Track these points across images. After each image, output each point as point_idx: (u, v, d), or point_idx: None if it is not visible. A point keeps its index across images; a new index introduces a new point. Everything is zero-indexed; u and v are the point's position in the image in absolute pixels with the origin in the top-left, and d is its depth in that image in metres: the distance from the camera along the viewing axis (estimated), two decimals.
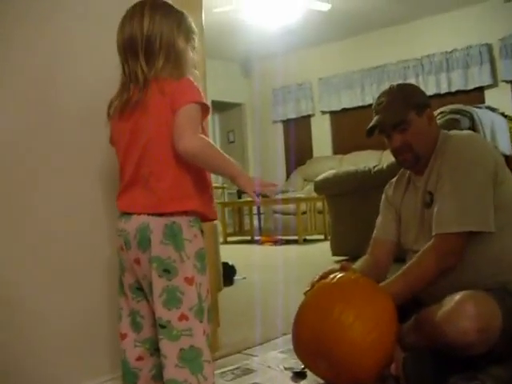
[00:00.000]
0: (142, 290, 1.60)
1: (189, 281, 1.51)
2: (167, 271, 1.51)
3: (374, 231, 2.44)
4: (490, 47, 8.22)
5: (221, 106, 11.02)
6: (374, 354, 1.87)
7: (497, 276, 2.04)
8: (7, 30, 1.86)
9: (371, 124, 2.24)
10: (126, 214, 1.59)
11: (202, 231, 1.60)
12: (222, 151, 1.54)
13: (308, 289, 2.13)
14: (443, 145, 2.18)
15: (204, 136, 1.53)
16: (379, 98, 2.27)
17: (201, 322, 1.52)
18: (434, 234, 2.05)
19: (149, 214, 1.54)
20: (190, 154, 1.49)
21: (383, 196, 2.47)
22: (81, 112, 2.00)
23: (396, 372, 1.87)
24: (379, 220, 2.45)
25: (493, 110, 5.08)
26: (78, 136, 2.00)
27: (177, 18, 1.61)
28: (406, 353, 1.91)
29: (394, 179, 2.46)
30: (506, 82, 8.07)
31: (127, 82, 1.59)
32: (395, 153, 2.25)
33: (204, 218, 1.63)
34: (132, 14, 1.59)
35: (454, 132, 2.31)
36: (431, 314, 1.91)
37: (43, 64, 1.93)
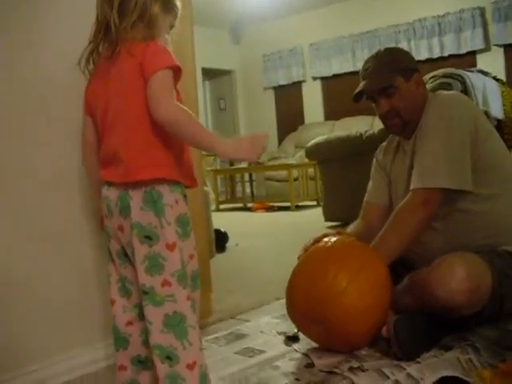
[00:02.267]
0: (128, 256, 1.60)
1: (170, 247, 1.50)
2: (148, 237, 1.50)
3: (366, 195, 2.44)
4: (482, 11, 8.16)
5: (211, 74, 10.96)
6: (368, 318, 1.88)
7: (488, 238, 2.05)
8: None
9: (358, 89, 2.23)
10: (109, 182, 1.58)
11: (185, 196, 1.58)
12: (196, 123, 1.49)
13: (301, 253, 2.14)
14: (428, 105, 2.18)
15: (180, 103, 1.49)
16: (366, 63, 2.25)
17: (184, 287, 1.51)
18: (410, 189, 2.07)
19: (126, 184, 1.52)
20: (166, 123, 1.46)
21: (374, 161, 2.46)
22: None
23: (387, 334, 1.88)
24: (370, 184, 2.45)
25: (485, 73, 5.05)
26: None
27: None
28: (397, 315, 1.93)
29: (384, 144, 2.46)
30: (499, 46, 8.03)
31: (98, 33, 1.57)
32: (383, 118, 2.24)
33: (185, 184, 1.60)
34: None
35: (439, 92, 2.31)
36: (422, 276, 1.93)
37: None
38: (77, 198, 2.01)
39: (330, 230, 2.27)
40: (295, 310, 2.04)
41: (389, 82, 2.15)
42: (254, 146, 1.51)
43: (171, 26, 1.66)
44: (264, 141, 1.53)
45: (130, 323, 1.64)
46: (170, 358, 1.49)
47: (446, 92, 2.40)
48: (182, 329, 1.50)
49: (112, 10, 1.53)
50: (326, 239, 2.10)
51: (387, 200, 2.36)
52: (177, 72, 1.52)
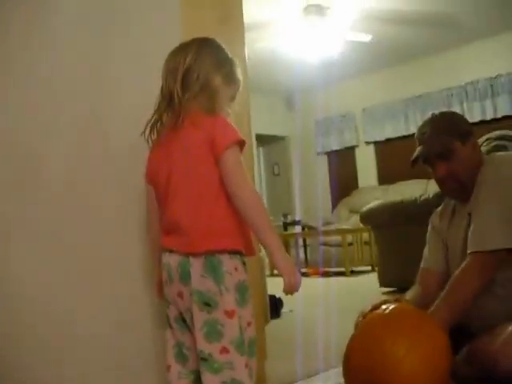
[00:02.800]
0: (186, 322, 1.61)
1: (229, 314, 1.51)
2: (207, 304, 1.52)
3: (422, 261, 2.40)
4: None
5: (265, 140, 11.10)
6: None
7: None
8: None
9: (415, 154, 2.23)
10: (170, 249, 1.62)
11: (244, 263, 1.60)
12: (269, 219, 1.57)
13: (359, 319, 2.11)
14: (484, 169, 2.15)
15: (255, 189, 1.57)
16: (422, 127, 2.26)
17: (242, 355, 1.52)
18: (467, 254, 2.03)
19: (186, 253, 1.55)
20: (239, 199, 1.53)
21: (429, 226, 2.43)
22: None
23: None
24: (426, 250, 2.41)
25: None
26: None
27: (222, 60, 1.68)
28: None
29: (439, 208, 2.43)
30: None
31: (162, 104, 1.64)
32: (440, 182, 2.23)
33: (245, 253, 1.63)
34: (180, 47, 1.68)
35: (495, 153, 2.29)
36: (484, 344, 1.87)
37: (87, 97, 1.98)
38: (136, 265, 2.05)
39: (388, 297, 2.24)
40: (351, 378, 1.99)
41: (446, 146, 2.15)
42: (296, 275, 1.55)
43: (232, 98, 1.72)
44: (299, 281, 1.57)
45: None
46: None
47: (503, 153, 2.39)
48: None
49: (176, 82, 1.61)
50: (384, 306, 2.06)
51: (444, 266, 2.31)
52: (242, 146, 1.59)
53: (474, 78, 8.70)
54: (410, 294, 2.33)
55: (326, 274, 7.55)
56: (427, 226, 2.44)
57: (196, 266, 1.53)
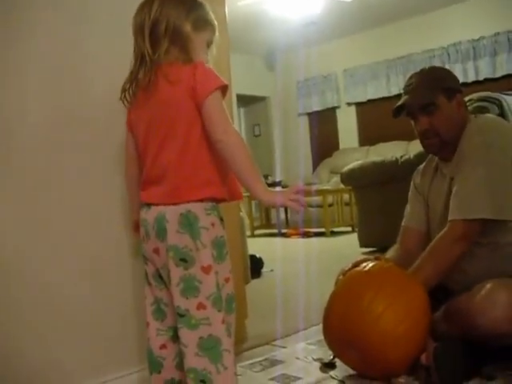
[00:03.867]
0: (163, 278, 1.61)
1: (205, 269, 1.50)
2: (184, 260, 1.51)
3: (403, 220, 2.41)
4: None
5: (246, 100, 11.03)
6: (406, 344, 1.85)
7: None
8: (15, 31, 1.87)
9: (398, 103, 2.21)
10: (147, 204, 1.60)
11: (221, 219, 1.59)
12: (252, 160, 1.54)
13: (339, 277, 2.11)
14: (468, 130, 2.14)
15: (239, 132, 1.54)
16: (409, 78, 2.24)
17: (219, 310, 1.51)
18: (448, 220, 2.02)
19: (165, 204, 1.54)
20: (223, 144, 1.50)
21: (411, 184, 2.43)
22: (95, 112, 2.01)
23: (427, 362, 1.84)
24: (408, 209, 2.41)
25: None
26: (92, 136, 2.01)
27: (189, 6, 1.60)
28: (436, 342, 1.88)
29: (421, 166, 2.42)
30: None
31: (135, 65, 1.59)
32: (421, 136, 2.21)
33: (229, 198, 1.62)
34: (144, 4, 1.60)
35: (480, 115, 2.28)
36: (462, 303, 1.88)
37: (55, 65, 1.94)
38: (117, 224, 2.03)
39: (368, 256, 2.24)
40: (331, 335, 2.01)
41: (431, 99, 2.13)
42: (291, 193, 1.52)
43: (209, 43, 1.66)
44: (300, 191, 1.54)
45: (163, 346, 1.64)
46: (204, 381, 1.49)
47: (487, 115, 2.37)
48: (216, 352, 1.50)
49: (144, 40, 1.56)
50: (363, 264, 2.07)
51: (425, 225, 2.32)
52: (224, 91, 1.56)
53: (456, 39, 8.67)
54: (390, 253, 2.34)
55: (307, 235, 7.58)
56: (408, 186, 2.43)
57: (172, 221, 1.52)
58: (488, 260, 2.04)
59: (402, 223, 2.41)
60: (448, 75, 2.26)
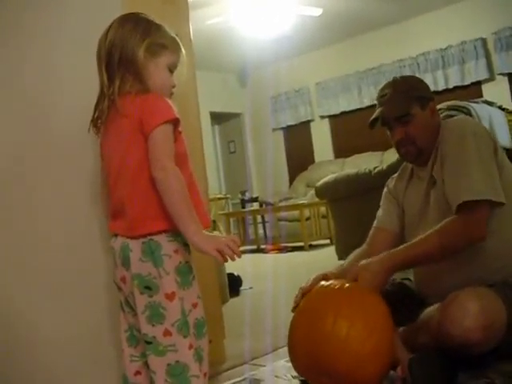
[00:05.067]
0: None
1: (169, 296, 1.50)
2: (148, 288, 1.51)
3: (375, 222, 2.40)
4: (484, 41, 8.19)
5: (220, 117, 11.04)
6: (376, 358, 1.83)
7: (501, 270, 2.01)
8: None
9: (374, 116, 2.22)
10: (115, 233, 1.62)
11: (186, 244, 1.57)
12: (187, 201, 1.48)
13: (294, 305, 2.08)
14: (443, 132, 2.16)
15: (178, 171, 1.48)
16: (383, 89, 2.25)
17: (185, 336, 1.51)
18: (454, 207, 1.97)
19: (127, 237, 1.55)
20: (159, 182, 1.47)
21: (385, 189, 2.44)
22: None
23: (403, 374, 1.85)
24: (380, 212, 2.41)
25: (490, 103, 5.04)
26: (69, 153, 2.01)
27: (142, 31, 1.55)
28: (412, 354, 1.89)
29: (395, 175, 2.44)
30: (503, 75, 8.03)
31: (98, 96, 1.59)
32: (398, 145, 2.23)
33: None
34: (104, 30, 1.58)
35: (451, 119, 2.30)
36: (435, 314, 1.90)
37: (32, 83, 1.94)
38: (90, 247, 2.02)
39: (323, 272, 2.21)
40: (301, 366, 1.98)
41: (406, 110, 2.15)
42: (223, 244, 1.48)
43: (172, 67, 1.62)
44: (234, 245, 1.49)
45: (138, 372, 1.64)
46: None
47: (455, 117, 2.41)
48: (184, 378, 1.50)
49: (102, 73, 1.56)
50: (318, 286, 2.05)
51: (396, 227, 2.33)
52: (176, 123, 1.53)
53: (425, 49, 8.77)
54: (353, 254, 2.35)
55: (285, 250, 7.58)
56: (381, 197, 2.43)
57: (135, 250, 1.52)
58: (462, 266, 2.04)
59: (374, 225, 2.40)
60: (420, 84, 2.28)
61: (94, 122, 1.62)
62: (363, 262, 2.01)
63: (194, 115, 2.58)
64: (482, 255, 2.02)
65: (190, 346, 1.52)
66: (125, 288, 1.59)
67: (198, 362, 1.54)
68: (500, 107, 5.21)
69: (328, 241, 7.70)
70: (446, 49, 8.55)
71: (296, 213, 7.83)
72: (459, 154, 2.04)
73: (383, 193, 2.44)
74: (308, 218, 7.71)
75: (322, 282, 2.06)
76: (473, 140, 2.04)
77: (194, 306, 1.58)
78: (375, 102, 2.29)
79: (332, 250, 5.74)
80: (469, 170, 1.99)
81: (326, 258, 5.97)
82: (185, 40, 2.30)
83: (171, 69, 1.62)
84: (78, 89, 2.02)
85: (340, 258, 5.35)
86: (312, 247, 7.53)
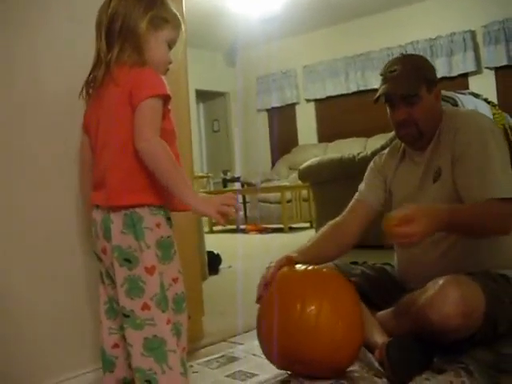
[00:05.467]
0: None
1: (149, 270, 1.50)
2: (128, 260, 1.50)
3: (356, 195, 2.37)
4: (473, 34, 8.23)
5: (205, 95, 10.99)
6: (349, 341, 1.84)
7: (484, 264, 2.03)
8: None
9: (381, 91, 2.15)
10: (96, 205, 1.60)
11: (168, 218, 1.58)
12: (176, 166, 1.48)
13: (258, 297, 2.06)
14: (450, 121, 2.13)
15: (163, 141, 1.47)
16: (391, 65, 2.17)
17: (163, 311, 1.51)
18: (487, 198, 1.93)
19: (108, 207, 1.53)
20: (145, 155, 1.46)
21: (371, 164, 2.40)
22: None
23: (380, 357, 1.87)
24: (363, 186, 2.38)
25: (476, 95, 5.06)
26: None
27: (146, 2, 1.54)
28: (389, 338, 1.91)
29: (385, 151, 2.40)
30: (490, 68, 8.08)
31: (93, 64, 1.58)
32: (398, 125, 2.16)
33: (171, 208, 1.59)
34: (105, 2, 1.57)
35: (457, 108, 2.27)
36: (414, 299, 1.91)
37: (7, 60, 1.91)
38: (71, 218, 2.01)
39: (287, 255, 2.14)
40: (273, 355, 1.95)
41: (415, 90, 2.10)
42: (220, 204, 1.49)
43: (171, 42, 1.61)
44: (232, 202, 1.51)
45: (116, 345, 1.64)
46: (149, 381, 1.50)
47: (466, 109, 2.39)
48: (161, 353, 1.50)
49: (101, 39, 1.54)
50: (282, 271, 2.01)
51: (378, 204, 2.31)
52: (167, 100, 1.52)
53: (414, 38, 8.79)
54: (329, 223, 2.34)
55: (265, 231, 7.60)
56: None
57: (116, 222, 1.51)
58: (446, 253, 2.06)
59: (355, 197, 2.37)
60: (429, 65, 2.22)
61: (87, 87, 1.61)
62: (414, 205, 1.86)
63: (183, 92, 2.57)
64: (472, 248, 2.04)
65: (168, 321, 1.52)
66: (105, 259, 1.58)
67: (176, 336, 1.55)
68: (485, 100, 5.24)
69: (308, 224, 7.74)
70: (435, 39, 8.57)
71: (277, 195, 7.85)
72: (481, 150, 2.00)
73: (369, 167, 2.40)
74: (289, 201, 7.73)
75: (285, 269, 2.02)
76: (492, 137, 2.02)
77: (175, 280, 1.58)
78: (380, 75, 2.21)
79: (311, 232, 5.78)
80: (493, 167, 1.97)
81: (305, 241, 5.99)
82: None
83: (170, 45, 1.62)
84: (65, 64, 2.01)
85: None
86: (292, 230, 7.57)
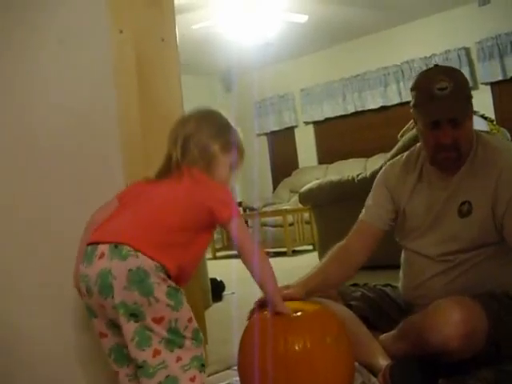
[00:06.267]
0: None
1: (157, 320, 1.50)
2: (134, 315, 1.50)
3: (362, 213, 2.28)
4: (467, 51, 8.27)
5: None
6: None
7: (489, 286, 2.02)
8: None
9: (436, 116, 1.94)
10: (88, 257, 1.56)
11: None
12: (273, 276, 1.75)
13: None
14: (485, 151, 2.04)
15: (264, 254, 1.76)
16: (437, 80, 1.94)
17: (171, 351, 1.52)
18: None
19: (113, 255, 1.51)
20: (253, 273, 1.70)
21: (380, 176, 2.29)
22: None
23: (384, 380, 1.86)
24: (370, 203, 2.26)
25: (473, 112, 5.08)
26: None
27: (219, 128, 1.76)
28: (392, 361, 1.90)
29: (399, 162, 2.26)
30: (486, 84, 8.11)
31: (163, 163, 1.71)
32: (439, 148, 1.98)
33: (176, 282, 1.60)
34: (181, 119, 1.79)
35: (490, 138, 2.19)
36: (416, 321, 1.91)
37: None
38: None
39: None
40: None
41: (468, 112, 1.99)
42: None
43: (232, 166, 1.77)
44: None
45: None
46: None
47: (498, 141, 2.34)
48: None
49: (176, 147, 1.68)
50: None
51: (385, 225, 2.22)
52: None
53: (409, 57, 8.81)
54: (334, 248, 2.27)
55: (268, 255, 7.55)
56: (364, 204, 2.34)
57: (119, 277, 1.49)
58: (460, 281, 2.04)
59: (361, 217, 2.27)
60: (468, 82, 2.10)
61: (157, 176, 1.71)
62: None
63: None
64: (483, 277, 2.03)
65: (177, 359, 1.53)
66: (103, 314, 1.56)
67: (199, 370, 1.57)
68: (483, 116, 5.25)
69: (311, 246, 7.71)
70: (430, 57, 8.60)
71: (279, 218, 7.84)
72: None
73: (378, 179, 2.28)
74: (291, 224, 7.72)
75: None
76: None
77: (190, 320, 1.59)
78: (413, 89, 2.05)
79: (315, 255, 5.76)
80: None
81: (308, 264, 5.92)
82: (171, 45, 2.32)
83: (231, 167, 1.77)
84: (64, 88, 2.02)
85: None
86: (295, 253, 7.54)
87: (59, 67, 2.03)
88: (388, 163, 2.34)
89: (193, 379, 1.57)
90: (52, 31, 2.04)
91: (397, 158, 2.31)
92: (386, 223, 2.23)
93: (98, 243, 1.56)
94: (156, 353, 1.51)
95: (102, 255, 1.53)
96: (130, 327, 1.50)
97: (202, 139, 1.70)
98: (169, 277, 1.54)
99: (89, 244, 1.59)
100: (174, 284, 1.55)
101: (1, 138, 1.86)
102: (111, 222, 1.62)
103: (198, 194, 1.61)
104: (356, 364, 1.89)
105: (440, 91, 1.92)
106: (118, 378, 1.65)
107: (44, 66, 2.00)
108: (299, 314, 1.81)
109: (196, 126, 1.72)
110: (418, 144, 2.19)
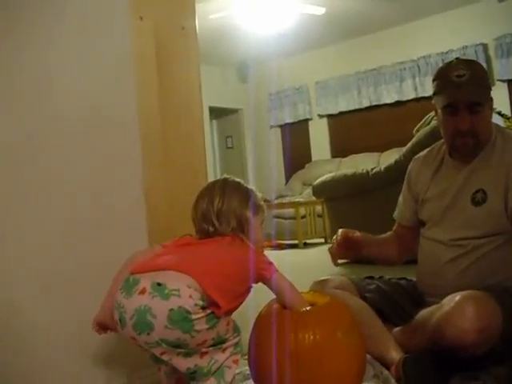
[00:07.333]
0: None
1: (201, 344, 1.57)
2: (177, 346, 1.53)
3: (397, 213, 2.45)
4: (485, 47, 8.23)
5: (218, 112, 11.04)
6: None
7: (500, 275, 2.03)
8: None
9: (451, 98, 2.03)
10: (128, 288, 1.54)
11: None
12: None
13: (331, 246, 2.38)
14: (503, 141, 2.08)
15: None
16: (456, 69, 2.04)
17: (217, 349, 1.63)
18: None
19: (155, 292, 1.50)
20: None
21: (408, 173, 2.38)
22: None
23: (396, 374, 1.86)
24: (400, 200, 2.43)
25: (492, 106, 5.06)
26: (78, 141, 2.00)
27: (245, 195, 1.80)
28: (406, 354, 1.90)
29: (421, 155, 2.36)
30: (502, 81, 8.06)
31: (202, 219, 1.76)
32: (457, 134, 2.05)
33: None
34: (204, 193, 1.79)
35: (509, 131, 2.23)
36: (430, 315, 1.90)
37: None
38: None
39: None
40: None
41: (485, 97, 2.03)
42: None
43: (262, 222, 1.86)
44: None
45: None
46: None
47: None
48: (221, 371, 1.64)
49: (209, 222, 1.73)
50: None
51: (413, 220, 2.35)
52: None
53: (426, 52, 8.78)
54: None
55: (280, 247, 7.59)
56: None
57: (160, 316, 1.48)
58: (472, 271, 2.05)
59: (395, 214, 2.46)
60: (488, 75, 2.15)
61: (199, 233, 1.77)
62: None
63: (198, 110, 2.59)
64: (495, 267, 2.04)
65: (223, 351, 1.65)
66: (138, 344, 1.55)
67: (241, 353, 1.74)
68: (499, 113, 5.23)
69: (323, 239, 7.71)
70: (447, 53, 8.56)
71: (291, 210, 7.84)
72: None
73: (407, 175, 2.39)
74: (303, 216, 7.72)
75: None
76: None
77: (227, 324, 1.68)
78: (436, 79, 2.14)
79: (326, 248, 5.74)
80: None
81: (320, 257, 5.96)
82: (191, 33, 2.32)
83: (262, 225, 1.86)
84: (83, 75, 2.03)
85: None
86: (307, 245, 7.55)
87: (79, 54, 2.03)
88: (413, 158, 2.41)
89: (235, 362, 1.69)
90: (72, 18, 2.04)
91: (422, 152, 2.39)
92: (410, 220, 2.37)
93: (143, 272, 1.56)
94: (203, 354, 1.59)
95: (143, 291, 1.51)
96: (182, 363, 1.58)
97: (235, 211, 1.75)
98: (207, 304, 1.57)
99: (132, 273, 1.58)
100: (210, 310, 1.57)
101: (20, 128, 1.86)
102: (159, 258, 1.65)
103: (244, 258, 1.68)
104: (368, 357, 1.90)
105: (458, 78, 2.02)
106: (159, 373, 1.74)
107: (63, 53, 2.00)
108: (309, 307, 1.81)
109: (223, 200, 1.76)
110: (441, 140, 2.25)
